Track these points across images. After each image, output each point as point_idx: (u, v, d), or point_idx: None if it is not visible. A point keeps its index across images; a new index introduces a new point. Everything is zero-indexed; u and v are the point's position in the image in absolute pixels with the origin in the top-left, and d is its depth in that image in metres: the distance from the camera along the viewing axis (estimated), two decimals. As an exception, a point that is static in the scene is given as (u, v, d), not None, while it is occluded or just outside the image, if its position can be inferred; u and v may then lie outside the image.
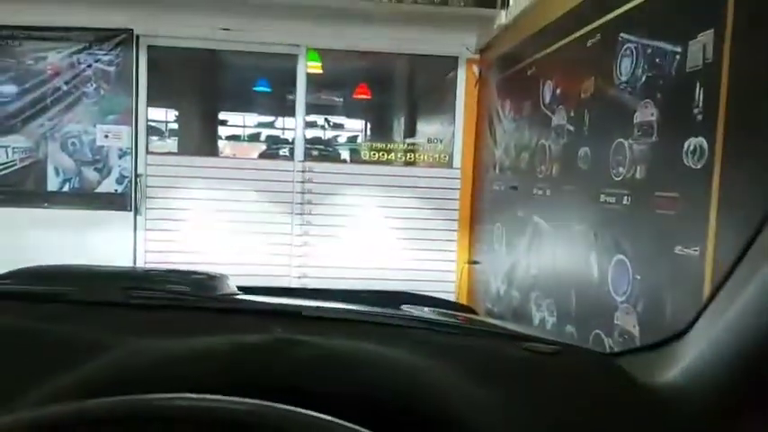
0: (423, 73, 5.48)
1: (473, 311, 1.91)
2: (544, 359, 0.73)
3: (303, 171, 4.77)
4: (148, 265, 4.61)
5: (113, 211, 4.64)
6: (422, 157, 4.88)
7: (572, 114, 2.90)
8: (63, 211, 4.60)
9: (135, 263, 4.69)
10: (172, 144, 5.45)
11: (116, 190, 4.64)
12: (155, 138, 5.00)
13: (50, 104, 4.53)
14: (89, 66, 4.54)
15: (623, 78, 2.42)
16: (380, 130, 6.18)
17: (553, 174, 3.10)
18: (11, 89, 4.50)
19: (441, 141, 4.95)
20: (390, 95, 5.88)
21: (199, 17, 4.50)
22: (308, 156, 4.87)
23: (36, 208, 4.58)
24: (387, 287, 4.80)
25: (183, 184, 4.73)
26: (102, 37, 4.51)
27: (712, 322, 0.50)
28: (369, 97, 5.68)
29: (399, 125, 6.02)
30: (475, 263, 4.61)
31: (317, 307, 0.94)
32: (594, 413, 0.60)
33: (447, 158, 4.88)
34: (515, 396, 0.64)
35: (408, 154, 4.90)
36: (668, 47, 2.16)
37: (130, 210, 4.65)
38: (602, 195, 2.48)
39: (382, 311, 1.00)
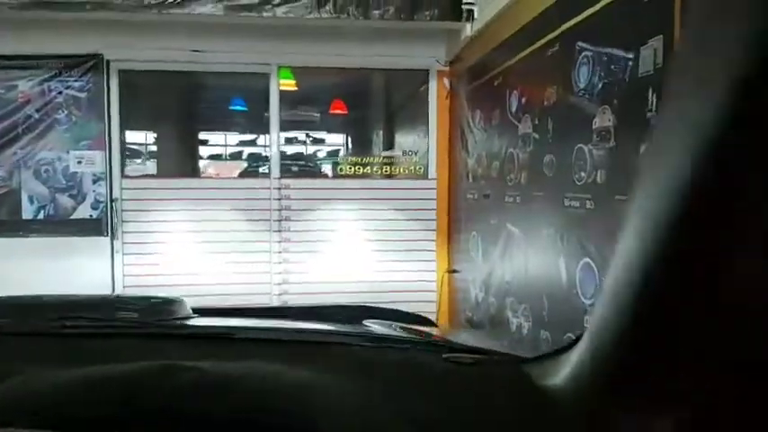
0: (397, 86, 5.54)
1: (430, 322, 1.92)
2: (460, 369, 0.75)
3: (279, 188, 4.79)
4: (110, 292, 4.59)
5: (89, 237, 4.62)
6: (398, 169, 4.92)
7: (536, 122, 2.95)
8: (39, 239, 4.57)
9: (113, 288, 4.67)
10: (151, 166, 5.45)
11: (91, 215, 4.62)
12: (136, 161, 4.99)
13: (22, 133, 4.52)
14: (60, 93, 4.54)
15: (582, 86, 2.48)
16: (359, 144, 6.21)
17: (522, 181, 3.15)
18: (-20, 119, 4.48)
19: (416, 153, 5.00)
20: (366, 110, 5.94)
21: (169, 40, 4.52)
22: (288, 171, 4.89)
23: (11, 237, 4.55)
24: (367, 300, 4.82)
25: (158, 206, 4.72)
26: (71, 63, 4.52)
27: (596, 326, 0.53)
28: (345, 112, 5.73)
29: (378, 138, 6.07)
30: (454, 271, 4.64)
31: (249, 328, 0.95)
32: (496, 419, 0.62)
33: (422, 170, 4.93)
34: (426, 408, 0.66)
35: (385, 167, 4.94)
36: (621, 53, 2.23)
37: (107, 235, 4.63)
38: (567, 200, 2.52)
39: (317, 329, 1.02)
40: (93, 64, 4.54)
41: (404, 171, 4.93)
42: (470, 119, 4.18)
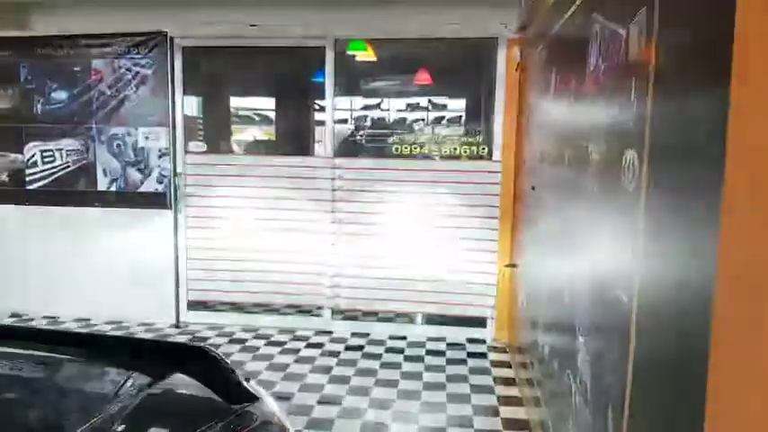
0: (465, 57, 5.04)
1: (206, 354, 1.64)
2: None
3: (333, 168, 4.61)
4: (173, 264, 4.73)
5: (155, 210, 4.79)
6: (460, 149, 4.50)
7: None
8: (111, 210, 4.83)
9: (177, 260, 4.83)
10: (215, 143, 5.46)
11: (156, 189, 4.78)
12: (199, 137, 5.07)
13: (96, 109, 4.75)
14: (128, 70, 4.69)
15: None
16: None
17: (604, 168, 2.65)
18: (62, 95, 4.78)
19: (479, 132, 4.54)
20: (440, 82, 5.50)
21: (228, 15, 4.47)
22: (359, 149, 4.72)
23: (89, 207, 4.86)
24: (422, 290, 4.54)
25: (219, 182, 4.77)
26: (138, 41, 4.63)
27: None
28: (429, 83, 5.36)
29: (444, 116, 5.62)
30: (513, 266, 4.19)
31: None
32: None
33: (486, 151, 4.46)
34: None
35: (443, 146, 4.54)
36: None
37: (170, 207, 4.77)
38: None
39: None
40: (157, 41, 4.62)
41: (465, 152, 4.50)
42: (544, 92, 3.64)
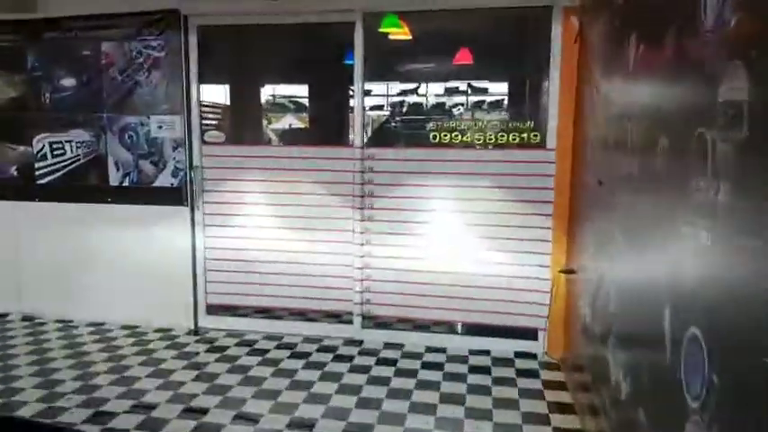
0: (514, 30, 4.44)
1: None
2: None
3: (362, 159, 4.10)
4: (191, 264, 4.31)
5: (170, 206, 4.39)
6: (507, 136, 3.92)
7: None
8: (124, 207, 4.46)
9: (194, 260, 4.43)
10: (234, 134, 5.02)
11: (172, 184, 4.37)
12: (215, 125, 4.64)
13: (106, 96, 4.37)
14: (139, 53, 4.28)
15: None
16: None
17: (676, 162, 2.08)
18: (71, 82, 4.41)
19: (530, 117, 3.95)
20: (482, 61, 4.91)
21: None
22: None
23: (100, 203, 4.49)
24: (466, 298, 4.02)
25: (240, 175, 4.33)
26: (149, 21, 4.21)
27: None
28: (470, 63, 4.79)
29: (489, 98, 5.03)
30: (570, 272, 3.61)
31: None
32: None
33: (539, 137, 3.88)
34: None
35: (486, 133, 3.97)
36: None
37: (186, 204, 4.36)
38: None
39: None
40: (170, 21, 4.19)
41: (514, 139, 3.92)
42: (617, 67, 3.05)
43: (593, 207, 2.96)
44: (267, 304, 4.42)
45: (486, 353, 4.01)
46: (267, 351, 4.06)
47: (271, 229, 4.32)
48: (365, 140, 4.13)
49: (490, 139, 3.96)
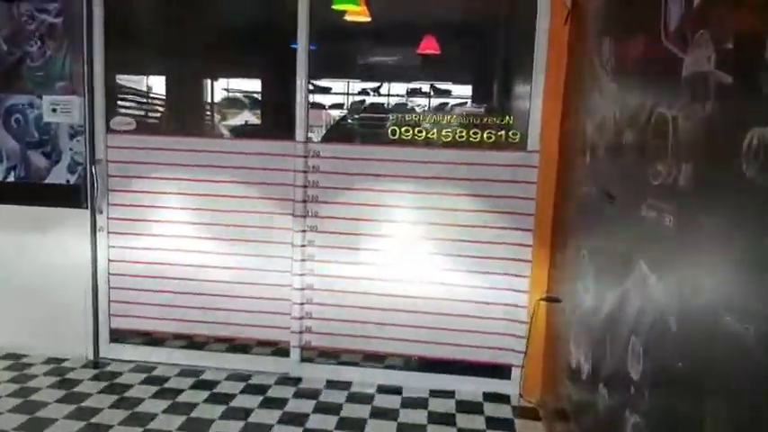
0: (495, 6, 3.77)
1: None
2: None
3: (305, 156, 3.36)
4: (90, 279, 3.48)
5: (66, 209, 3.55)
6: (480, 135, 3.25)
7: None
8: (9, 207, 3.59)
9: (95, 276, 3.59)
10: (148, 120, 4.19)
11: (68, 181, 3.53)
12: (126, 111, 3.82)
13: (-14, 69, 3.50)
14: (31, 18, 3.43)
15: None
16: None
17: (682, 178, 1.41)
18: (-59, 50, 3.52)
19: (507, 112, 3.30)
20: (453, 51, 4.24)
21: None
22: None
23: (-21, 203, 3.61)
24: (425, 324, 3.32)
25: (154, 172, 3.52)
26: (41, -24, 3.38)
27: None
28: (437, 53, 4.10)
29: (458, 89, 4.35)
30: (554, 300, 2.96)
31: None
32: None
33: (518, 137, 3.22)
34: None
35: (455, 130, 3.29)
36: None
37: (86, 207, 3.53)
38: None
39: None
40: (68, -23, 3.36)
41: (488, 139, 3.26)
42: (599, 54, 2.40)
43: (595, 225, 2.30)
44: (185, 331, 3.62)
45: (450, 394, 3.32)
46: (179, 392, 3.26)
47: (192, 240, 3.53)
48: (310, 135, 3.38)
49: (460, 138, 3.27)
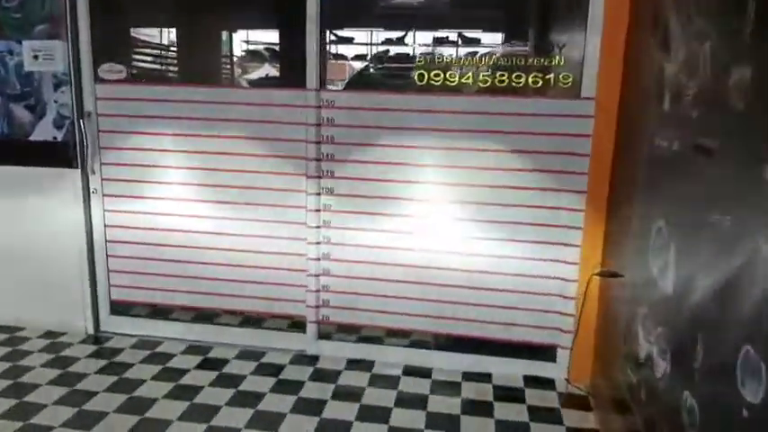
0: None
1: None
2: None
3: (318, 106, 2.91)
4: (86, 246, 3.13)
5: (55, 168, 3.18)
6: (525, 79, 2.75)
7: None
8: (-7, 168, 3.24)
9: (91, 242, 3.25)
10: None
11: (55, 138, 3.15)
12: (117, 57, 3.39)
13: (-43, 10, 3.08)
14: (2, -54, 2.99)
15: None
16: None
17: None
18: None
19: (558, 50, 2.77)
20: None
21: None
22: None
23: (-39, 163, 3.26)
24: (457, 299, 2.91)
25: (151, 126, 3.11)
26: None
27: None
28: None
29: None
30: (613, 275, 2.51)
31: None
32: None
33: (571, 81, 2.71)
34: None
35: (493, 75, 2.78)
36: None
37: (76, 166, 3.15)
38: None
39: None
40: None
41: (534, 83, 2.75)
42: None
43: (678, 188, 1.82)
44: (192, 303, 3.27)
45: (486, 377, 2.94)
46: (184, 373, 2.94)
47: (195, 204, 3.14)
48: (324, 83, 2.92)
49: (500, 83, 2.77)
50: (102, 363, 3.02)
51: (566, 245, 2.78)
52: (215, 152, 3.06)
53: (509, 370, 2.96)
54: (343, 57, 3.46)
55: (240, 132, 3.00)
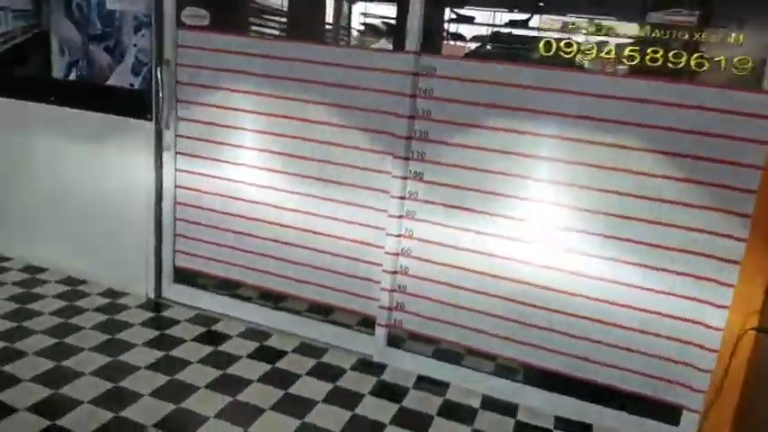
0: None
1: None
2: None
3: (416, 73, 2.41)
4: (154, 205, 2.88)
5: (129, 118, 2.94)
6: (685, 57, 2.09)
7: None
8: (70, 111, 3.05)
9: (159, 202, 3.01)
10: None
11: (132, 84, 2.90)
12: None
13: (47, -61, 2.88)
14: None
15: None
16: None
17: None
18: None
19: (735, 25, 2.08)
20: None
21: None
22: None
23: (42, 103, 3.11)
24: (560, 327, 2.36)
25: (233, 84, 2.78)
26: None
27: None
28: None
29: None
30: (777, 334, 1.85)
31: None
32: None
33: (749, 67, 2.03)
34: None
35: (654, 50, 2.14)
36: None
37: (150, 118, 2.89)
38: None
39: None
40: None
41: (698, 64, 2.09)
42: None
43: None
44: (257, 282, 2.95)
45: (586, 428, 2.38)
46: (235, 360, 2.62)
47: (271, 173, 2.79)
48: (422, 45, 2.42)
49: (653, 61, 2.14)
50: (154, 334, 2.78)
51: (716, 282, 2.13)
52: (298, 118, 2.67)
53: (613, 424, 2.37)
54: (461, 37, 2.99)
55: (326, 98, 2.59)
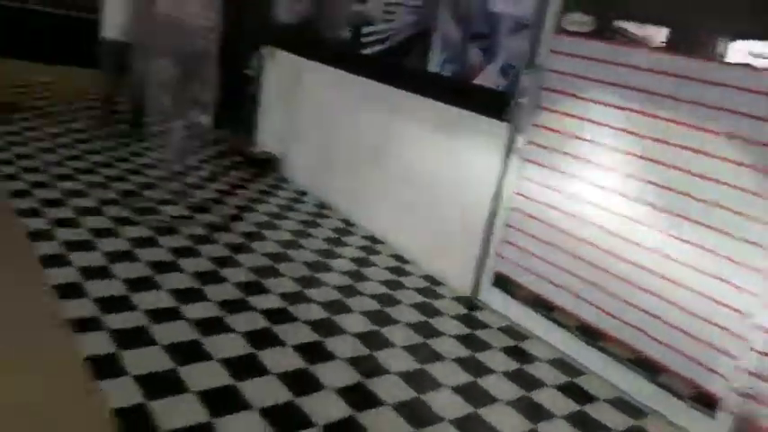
0: None
1: None
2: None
3: None
4: (493, 205, 2.83)
5: (485, 117, 2.96)
6: None
7: None
8: (432, 104, 3.23)
9: (495, 204, 2.98)
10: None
11: (497, 86, 2.90)
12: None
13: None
14: None
15: None
16: None
17: None
18: None
19: None
20: None
21: None
22: None
23: (413, 93, 3.36)
24: None
25: (602, 96, 2.56)
26: None
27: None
28: None
29: None
30: None
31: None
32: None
33: None
34: None
35: None
36: None
37: (508, 120, 2.86)
38: None
39: None
40: None
41: None
42: None
43: None
44: (576, 310, 2.71)
45: None
46: (541, 385, 2.45)
47: (621, 200, 2.50)
48: None
49: None
50: (464, 331, 2.79)
51: None
52: (664, 141, 2.32)
53: None
54: None
55: (703, 122, 2.18)
